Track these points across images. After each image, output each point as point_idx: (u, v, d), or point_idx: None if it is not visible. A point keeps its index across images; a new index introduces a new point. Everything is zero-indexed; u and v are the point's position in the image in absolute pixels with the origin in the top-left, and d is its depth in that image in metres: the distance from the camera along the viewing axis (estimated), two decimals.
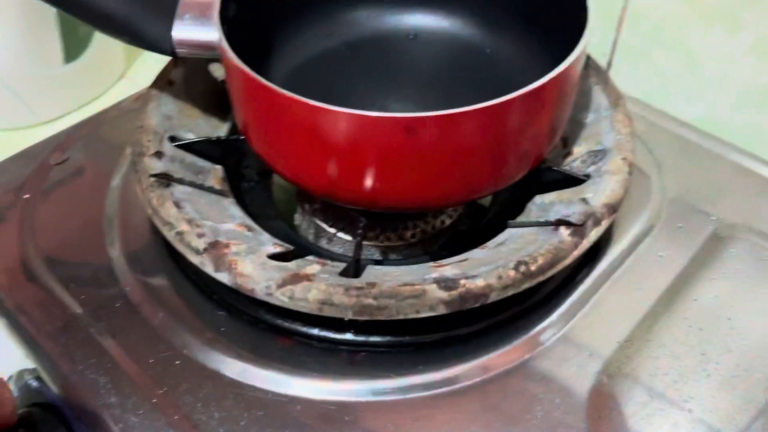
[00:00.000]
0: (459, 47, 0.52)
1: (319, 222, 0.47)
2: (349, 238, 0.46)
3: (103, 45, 0.65)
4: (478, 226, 0.47)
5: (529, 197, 0.46)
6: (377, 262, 0.45)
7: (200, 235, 0.38)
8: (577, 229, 0.38)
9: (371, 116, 0.34)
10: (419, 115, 0.34)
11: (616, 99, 0.46)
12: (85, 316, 0.41)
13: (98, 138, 0.52)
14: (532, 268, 0.37)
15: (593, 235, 0.39)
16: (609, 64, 0.63)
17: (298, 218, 0.49)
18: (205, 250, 0.37)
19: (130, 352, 0.39)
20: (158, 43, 0.42)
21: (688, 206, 0.46)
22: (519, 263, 0.37)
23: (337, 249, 0.47)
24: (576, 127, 0.46)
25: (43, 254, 0.44)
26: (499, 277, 0.36)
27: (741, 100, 0.56)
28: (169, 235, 0.39)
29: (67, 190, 0.48)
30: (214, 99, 0.50)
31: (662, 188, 0.48)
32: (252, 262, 0.37)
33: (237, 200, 0.45)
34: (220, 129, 0.49)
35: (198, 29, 0.42)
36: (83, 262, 0.44)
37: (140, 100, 0.53)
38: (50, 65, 0.62)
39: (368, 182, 0.37)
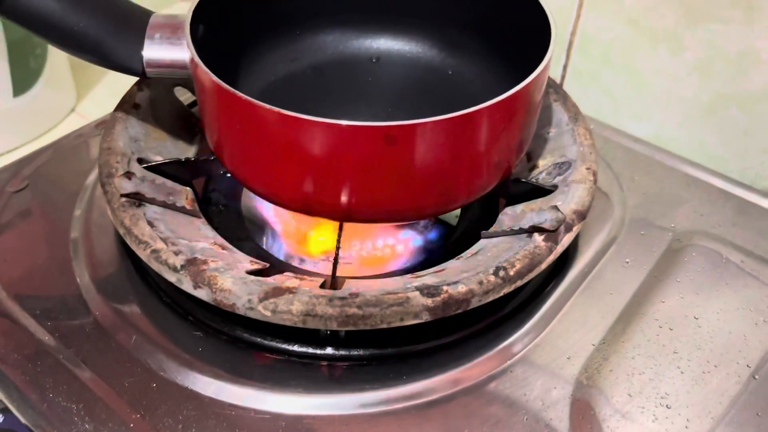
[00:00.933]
0: (422, 69, 0.53)
1: (290, 242, 0.47)
2: (321, 257, 0.46)
3: (53, 78, 0.64)
4: (449, 241, 0.47)
5: (497, 211, 0.47)
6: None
7: (177, 253, 0.38)
8: (551, 234, 0.39)
9: (352, 126, 0.35)
10: (400, 123, 0.35)
11: (576, 114, 0.48)
12: (54, 343, 0.39)
13: (58, 164, 0.51)
14: (511, 272, 0.37)
15: (566, 240, 0.40)
16: (560, 86, 0.65)
17: (268, 240, 0.49)
18: (183, 267, 0.37)
19: (103, 377, 0.38)
20: (128, 63, 0.41)
21: (649, 216, 0.48)
22: (498, 268, 0.37)
23: (309, 268, 0.46)
24: (540, 141, 0.48)
25: (6, 283, 0.42)
26: (480, 283, 0.37)
27: (686, 118, 0.59)
28: (144, 254, 0.38)
29: (28, 218, 0.47)
30: (181, 122, 0.49)
31: (623, 199, 0.50)
32: (232, 278, 0.37)
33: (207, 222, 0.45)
34: (187, 152, 0.49)
35: (169, 48, 0.42)
36: (50, 290, 0.42)
37: (103, 125, 0.53)
38: None
39: (345, 194, 0.38)
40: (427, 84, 0.53)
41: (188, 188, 0.45)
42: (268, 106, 0.35)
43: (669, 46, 0.57)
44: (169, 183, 0.44)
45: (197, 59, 0.39)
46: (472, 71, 0.53)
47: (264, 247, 0.49)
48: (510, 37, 0.49)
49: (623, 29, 0.59)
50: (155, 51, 0.41)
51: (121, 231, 0.40)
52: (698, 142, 0.59)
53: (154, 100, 0.48)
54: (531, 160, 0.48)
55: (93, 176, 0.49)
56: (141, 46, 0.41)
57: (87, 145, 0.52)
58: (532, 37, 0.44)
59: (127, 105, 0.47)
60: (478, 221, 0.48)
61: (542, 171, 0.46)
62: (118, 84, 0.50)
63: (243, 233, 0.48)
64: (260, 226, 0.49)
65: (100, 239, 0.45)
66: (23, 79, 0.61)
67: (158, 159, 0.46)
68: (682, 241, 0.47)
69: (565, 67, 0.65)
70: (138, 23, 0.42)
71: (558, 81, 0.65)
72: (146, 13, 0.43)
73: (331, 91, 0.52)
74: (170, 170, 0.45)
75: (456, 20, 0.52)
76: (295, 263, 0.47)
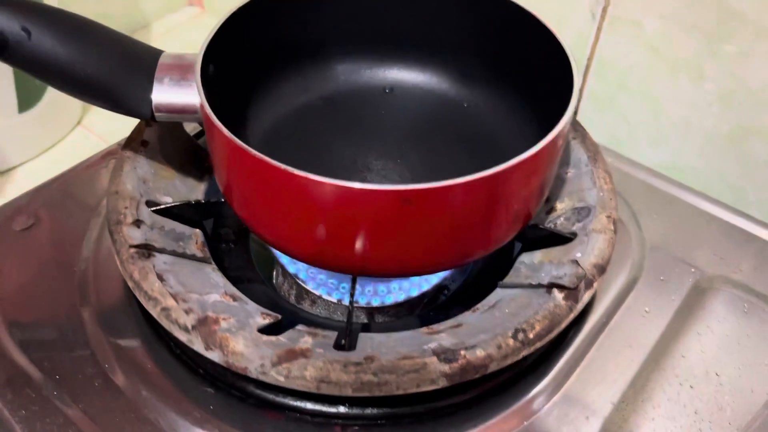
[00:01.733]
0: (436, 101, 0.52)
1: (301, 284, 0.46)
2: (333, 300, 0.45)
3: (58, 92, 0.63)
4: (463, 285, 0.46)
5: (512, 253, 0.46)
6: (364, 326, 0.44)
7: (188, 311, 0.37)
8: (571, 292, 0.38)
9: (367, 189, 0.33)
10: (418, 187, 0.33)
11: (595, 154, 0.47)
12: (48, 382, 0.38)
13: (65, 198, 0.50)
14: (531, 335, 0.36)
15: (586, 297, 0.39)
16: (576, 111, 0.64)
17: (278, 279, 0.48)
18: (194, 327, 0.36)
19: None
20: (137, 109, 0.40)
21: (669, 257, 0.47)
22: (517, 331, 0.36)
23: (321, 312, 0.46)
24: (558, 181, 0.47)
25: (10, 326, 0.42)
26: (499, 347, 0.36)
27: (705, 146, 0.58)
28: (155, 311, 0.37)
29: (34, 258, 0.46)
30: (189, 157, 0.48)
31: (642, 240, 0.48)
32: (244, 339, 0.36)
33: (217, 264, 0.44)
34: (196, 189, 0.47)
35: (178, 92, 0.40)
36: (56, 339, 0.41)
37: (110, 156, 0.52)
38: (4, 114, 0.59)
39: (359, 251, 0.37)
40: (442, 117, 0.52)
41: (198, 230, 0.44)
42: (278, 164, 0.34)
43: (689, 75, 0.56)
44: (179, 227, 0.43)
45: (208, 109, 0.37)
46: (487, 103, 0.51)
47: (275, 284, 0.48)
48: (526, 69, 0.48)
49: (642, 55, 0.57)
50: (164, 95, 0.40)
51: (131, 284, 0.39)
52: (717, 171, 0.58)
53: (162, 135, 0.47)
54: (549, 201, 0.46)
55: (100, 214, 0.48)
56: (149, 91, 0.40)
57: (94, 178, 0.51)
58: (549, 69, 0.43)
59: (135, 143, 0.46)
60: (494, 263, 0.47)
61: (561, 215, 0.45)
62: None
63: (253, 273, 0.47)
64: (270, 265, 0.48)
65: (107, 283, 0.44)
66: (28, 94, 0.60)
67: (167, 200, 0.45)
68: (703, 287, 0.45)
69: (581, 90, 0.63)
70: (146, 66, 0.40)
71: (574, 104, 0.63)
72: (154, 54, 0.41)
73: (342, 123, 0.51)
74: (179, 212, 0.44)
75: (470, 51, 0.50)
76: (307, 306, 0.46)
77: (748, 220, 0.51)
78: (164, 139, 0.47)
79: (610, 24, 0.58)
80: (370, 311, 0.45)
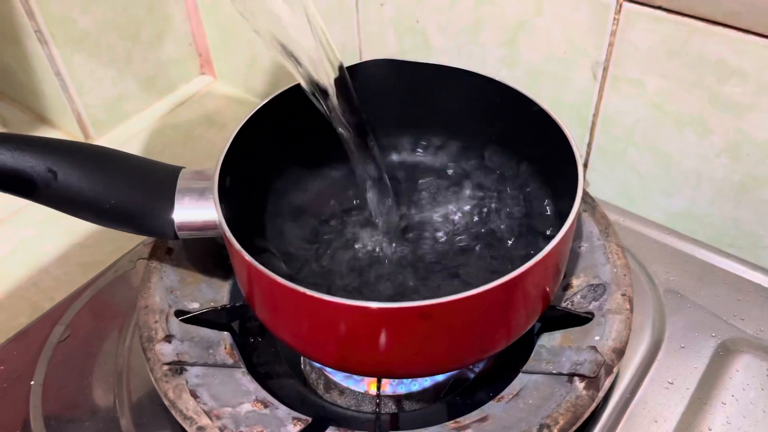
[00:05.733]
0: (445, 184, 0.53)
1: (329, 376, 0.47)
2: (361, 390, 0.46)
3: None
4: (487, 366, 0.47)
5: (533, 332, 0.47)
6: (392, 416, 0.45)
7: (222, 429, 0.38)
8: (592, 381, 0.39)
9: (384, 308, 0.35)
10: (433, 302, 0.35)
11: (606, 227, 0.48)
12: None
13: (98, 306, 0.52)
14: (555, 430, 0.37)
15: (607, 383, 0.40)
16: (585, 165, 0.65)
17: (306, 368, 0.49)
18: None
19: None
20: (161, 230, 0.42)
21: (688, 326, 0.48)
22: (542, 427, 0.37)
23: (350, 402, 0.47)
24: (572, 255, 0.48)
25: None
26: None
27: (717, 195, 0.58)
28: (191, 430, 0.39)
29: (73, 368, 0.48)
30: (213, 258, 0.50)
31: (661, 308, 0.49)
32: None
33: (245, 361, 0.45)
34: (222, 289, 0.49)
35: (198, 211, 0.42)
36: None
37: (136, 253, 0.53)
38: None
39: (380, 359, 0.38)
40: (452, 198, 0.53)
41: (226, 333, 0.46)
42: (295, 286, 0.35)
43: (695, 130, 0.56)
44: (208, 334, 0.45)
45: (226, 229, 0.39)
46: (497, 178, 0.53)
47: (304, 373, 0.49)
48: (531, 150, 0.49)
49: (646, 112, 0.58)
50: (185, 214, 0.42)
51: (166, 402, 0.40)
52: (732, 218, 0.58)
53: (187, 241, 0.49)
54: (565, 277, 0.47)
55: (131, 322, 0.50)
56: (171, 212, 0.42)
57: (122, 282, 0.53)
58: (553, 149, 0.44)
59: (160, 251, 0.48)
60: (514, 344, 0.48)
61: (577, 292, 0.46)
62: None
63: (281, 366, 0.49)
64: (297, 356, 0.49)
65: (142, 391, 0.46)
66: None
67: (195, 306, 0.46)
68: (724, 354, 0.46)
69: (589, 145, 0.64)
70: (167, 188, 0.42)
71: (582, 158, 0.64)
72: (174, 173, 0.43)
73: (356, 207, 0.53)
74: (207, 317, 0.46)
75: (477, 134, 0.52)
76: (336, 396, 0.47)
77: (765, 274, 0.51)
78: (189, 244, 0.49)
79: (611, 83, 0.59)
80: (398, 398, 0.46)
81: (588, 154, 0.65)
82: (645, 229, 0.55)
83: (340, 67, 0.43)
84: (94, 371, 0.47)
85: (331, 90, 0.43)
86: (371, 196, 0.48)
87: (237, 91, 0.85)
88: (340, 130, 0.44)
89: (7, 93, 0.80)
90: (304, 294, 0.35)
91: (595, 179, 0.64)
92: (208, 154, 0.74)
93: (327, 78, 0.42)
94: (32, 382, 0.46)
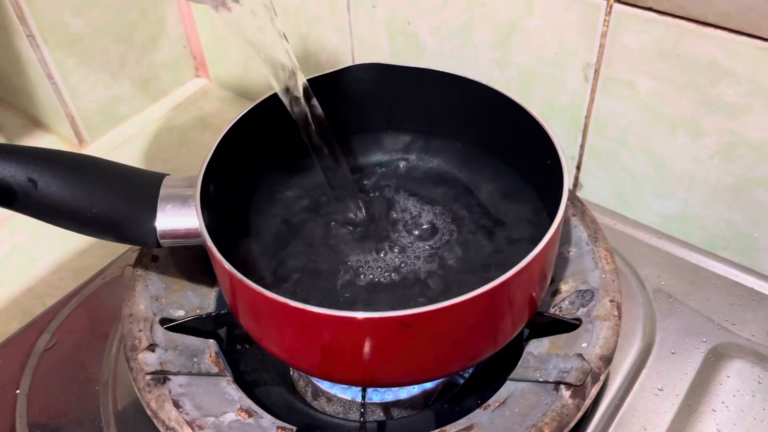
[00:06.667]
0: (438, 190, 0.53)
1: (316, 383, 0.47)
2: (348, 398, 0.46)
3: None
4: (475, 372, 0.47)
5: (521, 338, 0.46)
6: (380, 423, 0.45)
7: None
8: (578, 389, 0.39)
9: (367, 318, 0.34)
10: (416, 311, 0.34)
11: (595, 231, 0.48)
12: None
13: (84, 313, 0.51)
14: None
15: (593, 391, 0.39)
16: (579, 167, 0.64)
17: (294, 375, 0.49)
18: None
19: None
20: (143, 238, 0.42)
21: (678, 331, 0.47)
22: None
23: (337, 409, 0.46)
24: (560, 260, 0.47)
25: None
26: None
27: (711, 197, 0.57)
28: None
29: (58, 376, 0.48)
30: (200, 265, 0.50)
31: (651, 313, 0.48)
32: None
33: (232, 368, 0.45)
34: (208, 296, 0.49)
35: (180, 218, 0.42)
36: None
37: (123, 269, 0.53)
38: None
39: (365, 368, 0.38)
40: (444, 203, 0.52)
41: (211, 341, 0.46)
42: (277, 297, 0.35)
43: (687, 131, 0.56)
44: (192, 342, 0.45)
45: (208, 239, 0.39)
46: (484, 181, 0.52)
47: (292, 380, 0.49)
48: (517, 153, 0.48)
49: (639, 114, 0.58)
50: (167, 222, 0.42)
51: (149, 412, 0.40)
52: (726, 220, 0.58)
53: (172, 248, 0.49)
54: (553, 282, 0.47)
55: (117, 330, 0.50)
56: (153, 220, 0.42)
57: (110, 289, 0.53)
58: (539, 152, 0.44)
59: (146, 259, 0.48)
60: (501, 350, 0.47)
61: (565, 298, 0.45)
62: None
63: (268, 374, 0.48)
64: (285, 364, 0.49)
65: (127, 401, 0.46)
66: None
67: (180, 314, 0.46)
68: (715, 359, 0.45)
69: (582, 147, 0.64)
70: (149, 196, 0.42)
71: (576, 161, 0.64)
72: (157, 180, 0.43)
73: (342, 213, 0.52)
74: (192, 325, 0.46)
75: (463, 137, 0.52)
76: (323, 403, 0.47)
77: (758, 278, 0.50)
78: (174, 251, 0.49)
79: (603, 85, 0.58)
80: (386, 406, 0.46)
81: (581, 156, 0.64)
82: (637, 232, 0.55)
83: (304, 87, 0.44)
84: (80, 380, 0.47)
85: (301, 100, 0.43)
86: (343, 204, 0.48)
87: (232, 93, 0.84)
88: (304, 138, 0.45)
89: (0, 97, 0.80)
90: (286, 304, 0.35)
91: (589, 181, 0.64)
92: (203, 157, 0.74)
93: (297, 88, 0.43)
94: (18, 391, 0.46)
